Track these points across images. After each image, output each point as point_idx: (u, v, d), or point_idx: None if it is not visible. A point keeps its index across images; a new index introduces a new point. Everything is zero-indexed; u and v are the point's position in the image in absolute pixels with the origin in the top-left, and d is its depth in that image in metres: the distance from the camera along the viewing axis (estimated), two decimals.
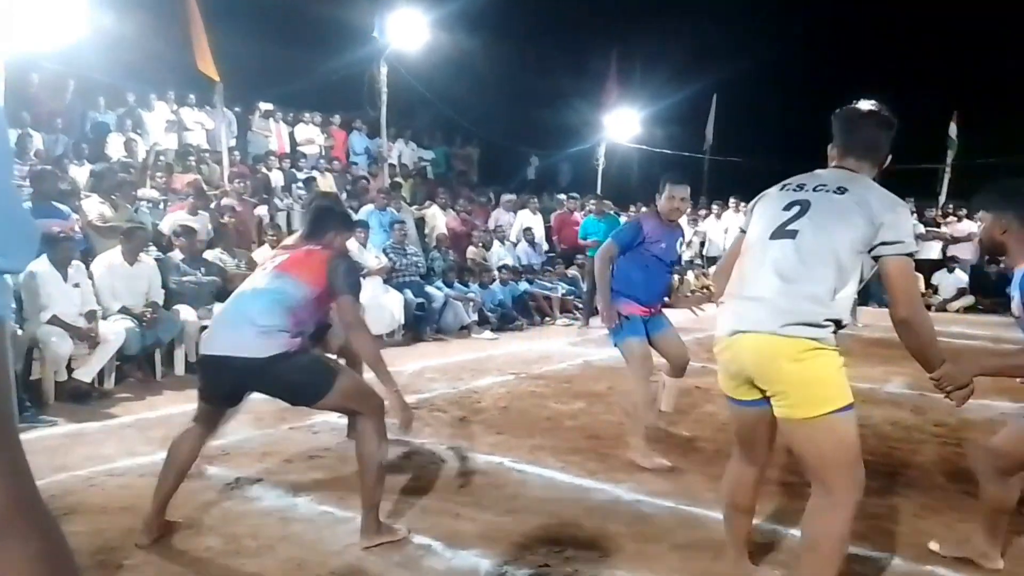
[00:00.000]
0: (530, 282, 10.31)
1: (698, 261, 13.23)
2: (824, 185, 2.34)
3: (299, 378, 2.88)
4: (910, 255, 2.23)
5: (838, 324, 2.24)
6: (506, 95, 16.53)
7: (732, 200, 13.91)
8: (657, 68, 16.96)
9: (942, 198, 15.61)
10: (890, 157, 2.46)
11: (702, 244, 14.06)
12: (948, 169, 16.16)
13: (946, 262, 12.70)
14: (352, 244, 4.64)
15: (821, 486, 2.25)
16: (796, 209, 2.33)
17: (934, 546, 3.02)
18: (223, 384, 2.96)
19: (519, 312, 9.72)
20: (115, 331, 5.60)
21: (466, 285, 9.31)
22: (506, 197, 12.38)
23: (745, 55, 16.95)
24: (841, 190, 2.29)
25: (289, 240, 3.88)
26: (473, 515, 3.31)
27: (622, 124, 15.22)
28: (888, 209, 2.22)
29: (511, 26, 16.33)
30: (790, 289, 2.23)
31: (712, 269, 12.64)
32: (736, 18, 18.75)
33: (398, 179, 12.01)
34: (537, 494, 3.60)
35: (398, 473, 3.77)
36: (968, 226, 13.21)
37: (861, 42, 18.97)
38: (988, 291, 12.08)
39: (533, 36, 17.07)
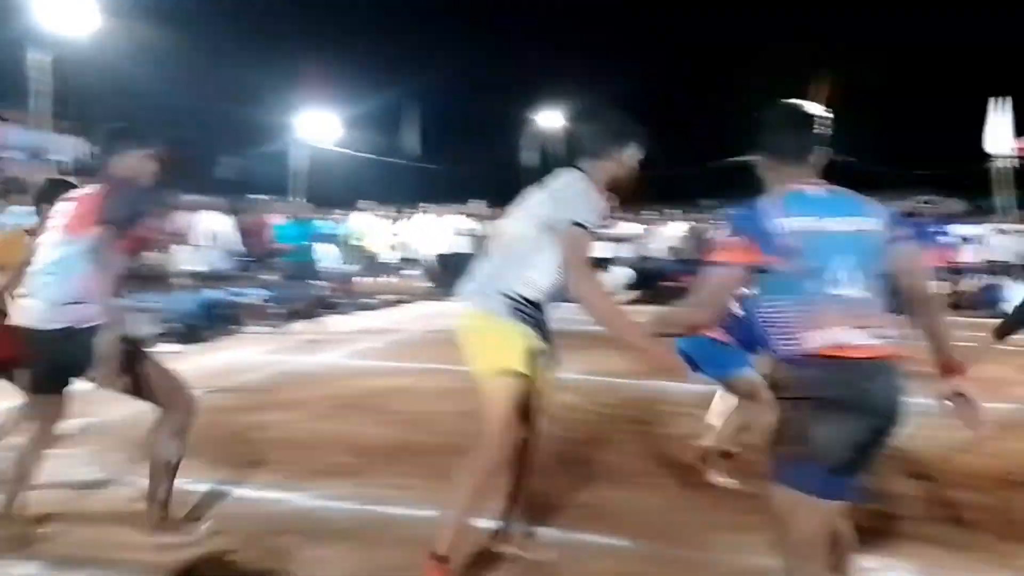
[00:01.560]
0: (221, 289, 9.70)
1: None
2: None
3: (84, 356, 2.67)
4: (581, 226, 2.48)
5: (522, 301, 2.58)
6: (196, 93, 15.48)
7: (422, 204, 14.58)
8: (360, 75, 17.09)
9: None
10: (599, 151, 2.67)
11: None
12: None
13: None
14: None
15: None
16: None
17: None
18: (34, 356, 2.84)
19: (208, 321, 9.08)
20: None
21: (143, 294, 8.46)
22: (189, 198, 11.49)
23: (444, 67, 17.72)
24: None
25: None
26: (142, 544, 3.04)
27: (323, 127, 15.14)
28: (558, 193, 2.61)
29: (200, 23, 15.30)
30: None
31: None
32: (430, 30, 19.46)
33: (56, 176, 10.53)
34: (225, 511, 3.40)
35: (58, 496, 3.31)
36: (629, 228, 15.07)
37: (542, 52, 20.71)
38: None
39: (227, 36, 16.18)
